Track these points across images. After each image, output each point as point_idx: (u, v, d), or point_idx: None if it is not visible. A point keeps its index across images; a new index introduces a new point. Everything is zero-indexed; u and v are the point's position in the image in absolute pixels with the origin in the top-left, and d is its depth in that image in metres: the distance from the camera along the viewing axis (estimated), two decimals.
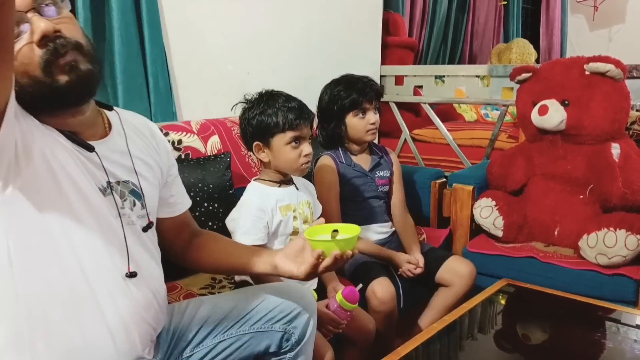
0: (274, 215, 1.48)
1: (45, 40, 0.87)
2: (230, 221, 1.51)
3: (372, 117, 1.78)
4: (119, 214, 1.01)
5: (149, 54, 1.90)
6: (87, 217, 0.95)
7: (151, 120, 1.92)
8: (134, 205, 1.06)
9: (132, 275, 1.00)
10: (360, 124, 1.78)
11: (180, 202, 1.26)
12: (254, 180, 1.58)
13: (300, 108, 1.46)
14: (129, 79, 1.86)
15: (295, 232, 1.52)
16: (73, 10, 1.70)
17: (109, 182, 1.00)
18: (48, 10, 0.89)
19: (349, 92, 1.76)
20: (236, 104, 1.55)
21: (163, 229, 1.21)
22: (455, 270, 1.75)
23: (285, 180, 1.55)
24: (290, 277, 1.15)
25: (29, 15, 0.87)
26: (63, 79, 0.89)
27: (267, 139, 1.46)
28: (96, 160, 0.99)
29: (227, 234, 1.50)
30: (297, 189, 1.58)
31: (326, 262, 1.10)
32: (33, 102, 0.90)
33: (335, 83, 1.81)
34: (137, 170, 1.08)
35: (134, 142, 1.10)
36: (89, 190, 0.96)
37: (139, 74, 1.90)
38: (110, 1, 1.79)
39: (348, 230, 1.16)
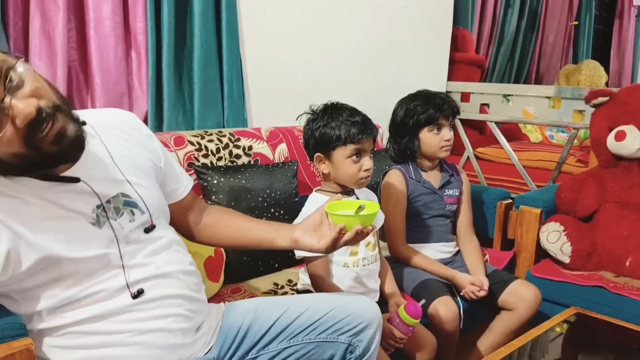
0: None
1: (29, 121, 0.83)
2: None
3: (447, 133, 1.76)
4: (116, 238, 1.01)
5: (225, 60, 1.96)
6: (85, 265, 0.97)
7: (223, 126, 2.01)
8: (133, 214, 1.05)
9: (138, 294, 1.01)
10: (435, 139, 1.77)
11: (180, 187, 1.25)
12: (315, 190, 1.59)
13: (363, 122, 1.46)
14: (205, 85, 1.92)
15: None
16: (158, 18, 1.78)
17: (100, 205, 1.00)
18: (15, 84, 0.84)
19: (425, 107, 1.75)
20: (301, 114, 1.56)
21: (170, 215, 1.21)
22: (520, 295, 1.71)
23: (345, 191, 1.55)
24: (310, 251, 1.16)
25: (6, 101, 0.83)
26: (52, 149, 0.88)
27: (329, 151, 1.47)
28: (84, 187, 0.98)
29: None
30: (358, 199, 1.58)
31: (347, 236, 1.10)
32: (17, 171, 0.90)
33: (411, 97, 1.81)
34: (127, 178, 1.06)
35: (115, 146, 1.07)
36: (82, 235, 0.97)
37: (215, 80, 1.96)
38: (193, 9, 1.86)
39: (369, 207, 1.16)
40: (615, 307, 1.73)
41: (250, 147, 1.90)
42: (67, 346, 0.99)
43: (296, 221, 1.52)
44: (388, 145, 1.89)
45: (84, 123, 0.95)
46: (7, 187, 0.91)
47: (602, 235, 1.94)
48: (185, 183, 1.26)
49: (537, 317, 1.69)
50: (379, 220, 1.66)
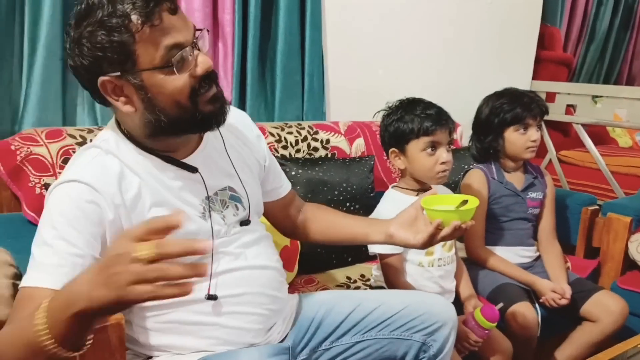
0: None
1: (204, 74, 0.93)
2: None
3: (534, 134, 1.70)
4: (212, 235, 1.03)
5: (307, 53, 1.98)
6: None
7: (302, 118, 2.03)
8: (237, 209, 1.09)
9: (211, 298, 1.02)
10: (521, 139, 1.70)
11: (280, 187, 1.28)
12: (392, 187, 1.57)
13: (437, 114, 1.43)
14: (287, 76, 1.95)
15: None
16: (245, 10, 1.82)
17: (207, 197, 1.04)
18: (203, 45, 0.95)
19: (512, 106, 1.69)
20: (378, 111, 1.55)
21: (269, 212, 1.25)
22: (605, 306, 1.62)
23: (423, 188, 1.51)
24: (406, 246, 1.15)
25: (195, 51, 0.92)
26: (208, 108, 0.95)
27: (403, 146, 1.45)
28: (198, 178, 1.03)
29: None
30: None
31: (445, 231, 1.08)
32: (162, 129, 0.94)
33: (497, 95, 1.75)
34: (237, 171, 1.11)
35: (230, 142, 1.12)
36: (191, 227, 1.00)
37: (297, 72, 1.98)
38: (279, 1, 1.88)
39: (470, 202, 1.14)
40: None
41: (328, 141, 1.91)
42: (149, 328, 1.02)
43: (371, 216, 1.52)
44: (470, 144, 1.84)
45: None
46: (136, 161, 0.98)
47: None
48: (285, 182, 1.31)
49: (622, 332, 1.61)
50: None
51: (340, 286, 1.66)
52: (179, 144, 1.02)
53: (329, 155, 1.90)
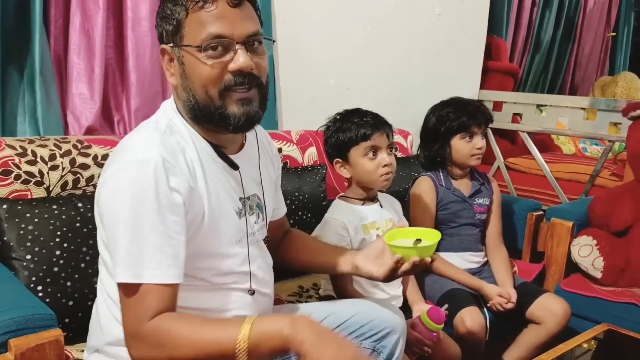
0: (356, 233, 1.49)
1: (238, 72, 0.96)
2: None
3: (479, 141, 1.75)
4: (247, 234, 1.08)
5: None
6: (219, 244, 1.03)
7: None
8: (258, 217, 1.13)
9: (253, 292, 1.07)
10: (466, 147, 1.75)
11: (280, 208, 1.32)
12: (339, 197, 1.59)
13: (374, 119, 1.48)
14: None
15: None
16: None
17: (242, 198, 1.08)
18: (254, 48, 0.98)
19: (458, 115, 1.74)
20: (321, 126, 1.59)
21: None
22: (549, 309, 1.67)
23: (369, 197, 1.55)
24: (370, 278, 1.18)
25: (237, 46, 0.95)
26: (233, 108, 0.98)
27: (345, 154, 1.49)
28: (237, 177, 1.08)
29: None
30: (382, 206, 1.57)
31: (405, 267, 1.12)
32: (196, 113, 0.99)
33: (444, 104, 1.79)
34: (263, 184, 1.16)
35: (261, 154, 1.17)
36: (229, 214, 1.04)
37: None
38: None
39: (429, 236, 1.17)
40: None
41: (280, 150, 1.90)
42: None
43: (319, 227, 1.54)
44: (419, 152, 1.88)
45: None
46: (193, 141, 1.01)
47: (637, 251, 1.89)
48: (283, 207, 1.35)
49: (566, 333, 1.66)
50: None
51: (292, 295, 1.66)
52: (224, 140, 1.05)
53: (282, 165, 1.90)
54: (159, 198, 0.90)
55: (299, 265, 1.37)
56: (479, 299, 1.69)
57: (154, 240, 0.90)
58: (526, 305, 1.70)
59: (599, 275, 1.87)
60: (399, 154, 2.29)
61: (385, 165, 1.46)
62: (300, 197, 1.80)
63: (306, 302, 1.61)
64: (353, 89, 2.38)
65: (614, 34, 4.47)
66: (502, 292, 1.66)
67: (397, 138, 2.31)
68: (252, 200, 1.11)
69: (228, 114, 0.97)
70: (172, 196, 0.92)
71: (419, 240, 1.17)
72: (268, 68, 1.03)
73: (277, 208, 1.30)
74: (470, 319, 1.54)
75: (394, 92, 2.56)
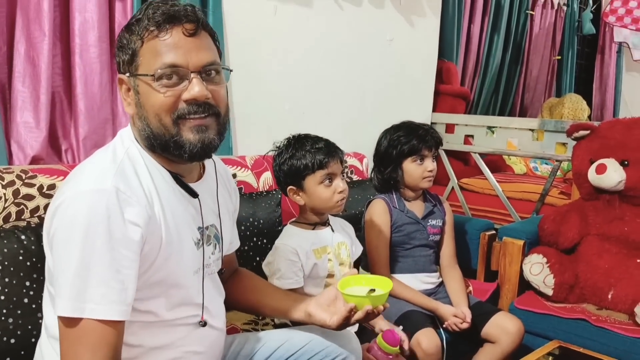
0: (308, 258, 1.49)
1: (193, 101, 0.95)
2: (266, 265, 1.52)
3: (430, 164, 1.78)
4: (203, 265, 1.06)
5: None
6: (176, 274, 1.01)
7: None
8: (215, 248, 1.12)
9: (205, 324, 1.05)
10: (418, 170, 1.78)
11: (233, 242, 1.30)
12: (290, 223, 1.59)
13: (327, 147, 1.49)
14: None
15: (330, 275, 1.52)
16: None
17: (201, 228, 1.06)
18: (210, 77, 0.98)
19: (409, 138, 1.78)
20: (268, 152, 1.59)
21: None
22: (503, 327, 1.70)
23: (321, 222, 1.56)
24: (323, 326, 1.17)
25: (192, 75, 0.95)
26: (188, 135, 0.96)
27: (300, 182, 1.49)
28: (197, 206, 1.06)
29: None
30: (333, 230, 1.58)
31: (358, 315, 1.13)
32: (151, 142, 0.98)
33: (395, 128, 1.83)
34: (221, 215, 1.14)
35: (220, 187, 1.16)
36: (187, 244, 1.02)
37: None
38: None
39: (381, 285, 1.20)
40: (598, 340, 1.73)
41: (234, 175, 1.89)
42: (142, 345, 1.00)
43: (270, 253, 1.53)
44: (372, 175, 1.90)
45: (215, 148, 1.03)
46: (151, 169, 0.99)
47: (585, 267, 1.95)
48: (236, 241, 1.32)
49: (521, 351, 1.69)
50: (357, 251, 1.67)
51: (248, 324, 1.63)
52: (183, 169, 1.04)
53: None
54: (110, 230, 0.87)
55: (247, 307, 1.34)
56: (435, 320, 1.71)
57: (100, 274, 0.87)
58: (481, 325, 1.72)
59: (550, 292, 1.92)
60: (355, 177, 2.31)
61: (340, 192, 1.48)
62: (255, 223, 1.78)
63: (262, 329, 1.59)
64: (308, 114, 2.40)
65: (560, 57, 4.65)
66: (457, 312, 1.68)
67: (353, 161, 2.33)
68: (210, 231, 1.10)
69: (183, 141, 0.96)
70: (126, 230, 0.89)
71: (372, 289, 1.19)
72: (226, 97, 1.02)
73: (231, 242, 1.28)
74: (427, 340, 1.55)
75: (348, 116, 2.59)
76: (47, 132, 1.62)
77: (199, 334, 1.06)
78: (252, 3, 2.13)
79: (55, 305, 0.89)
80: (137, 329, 0.96)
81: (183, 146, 0.96)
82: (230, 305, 1.28)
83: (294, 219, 1.60)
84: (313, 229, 1.54)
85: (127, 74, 0.97)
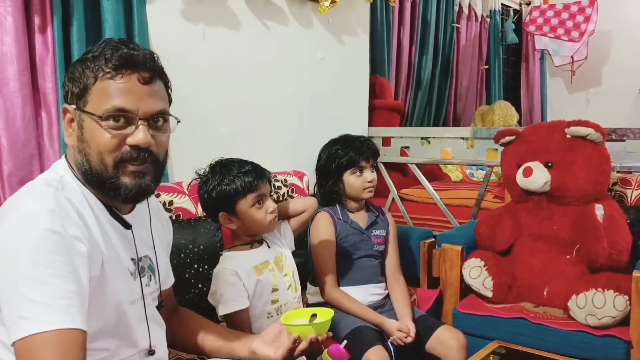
0: (249, 276, 1.48)
1: (135, 147, 0.96)
2: (211, 297, 1.51)
3: (369, 175, 1.83)
4: (143, 296, 1.05)
5: None
6: (116, 299, 0.99)
7: None
8: (150, 280, 1.10)
9: (151, 352, 1.05)
10: (358, 181, 1.82)
11: (168, 277, 1.27)
12: (225, 251, 1.58)
13: (254, 169, 1.50)
14: None
15: (275, 289, 1.52)
16: None
17: (134, 259, 1.05)
18: (157, 125, 0.99)
19: (346, 151, 1.82)
20: (190, 182, 1.59)
21: None
22: (445, 343, 1.71)
23: (256, 239, 1.56)
24: None
25: (139, 122, 0.96)
26: (125, 180, 0.97)
27: (231, 207, 1.48)
28: (130, 237, 1.05)
29: None
30: (269, 246, 1.58)
31: (302, 345, 1.15)
32: (87, 177, 0.98)
33: (333, 142, 1.88)
34: (155, 246, 1.13)
35: (153, 219, 1.16)
36: (124, 273, 1.01)
37: None
38: None
39: (323, 314, 1.22)
40: (537, 336, 1.80)
41: (171, 202, 1.86)
42: None
43: (212, 283, 1.51)
44: (315, 190, 1.93)
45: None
46: (83, 199, 0.98)
47: (520, 267, 2.02)
48: (171, 277, 1.29)
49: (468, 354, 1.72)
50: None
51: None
52: (115, 202, 1.03)
53: (173, 218, 1.86)
54: (62, 241, 0.86)
55: (189, 348, 1.30)
56: (382, 335, 1.72)
57: (57, 286, 0.83)
58: (425, 339, 1.75)
59: (489, 294, 1.98)
60: (295, 195, 2.31)
61: (271, 212, 1.50)
62: (195, 249, 1.76)
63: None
64: (245, 135, 2.40)
65: (487, 66, 4.86)
66: (401, 326, 1.70)
67: (293, 179, 2.34)
68: (144, 262, 1.09)
69: (120, 184, 0.97)
70: (74, 243, 0.88)
71: (314, 316, 1.21)
72: (168, 144, 1.03)
73: (167, 276, 1.25)
74: (376, 358, 1.56)
75: (286, 136, 2.61)
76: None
77: None
78: (179, 28, 2.12)
79: (9, 333, 0.83)
80: None
81: (119, 189, 0.97)
82: (171, 346, 1.25)
83: (228, 248, 1.59)
84: (250, 247, 1.54)
85: (74, 107, 0.97)
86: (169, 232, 1.26)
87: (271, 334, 1.21)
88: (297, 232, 1.68)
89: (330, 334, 1.19)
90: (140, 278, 1.06)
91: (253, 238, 1.55)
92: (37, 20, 1.69)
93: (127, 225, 1.04)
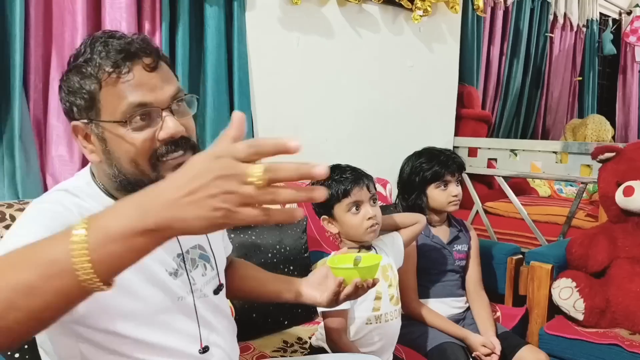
0: None
1: (169, 140, 0.89)
2: None
3: (454, 189, 1.79)
4: (192, 290, 1.00)
5: None
6: (157, 310, 0.94)
7: None
8: (205, 269, 1.05)
9: (204, 350, 0.99)
10: (442, 195, 1.79)
11: (228, 245, 1.25)
12: (333, 254, 1.57)
13: (352, 174, 1.49)
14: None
15: (378, 297, 1.50)
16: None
17: (180, 254, 1.00)
18: (179, 110, 0.92)
19: (431, 164, 1.79)
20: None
21: None
22: None
23: (364, 246, 1.54)
24: (314, 304, 1.16)
25: (163, 113, 0.88)
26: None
27: (330, 211, 1.50)
28: None
29: None
30: (377, 253, 1.56)
31: (347, 289, 1.10)
32: (126, 187, 0.90)
33: (417, 155, 1.85)
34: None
35: None
36: (160, 280, 0.95)
37: None
38: (206, 69, 1.93)
39: (370, 259, 1.17)
40: None
41: None
42: None
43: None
44: (397, 202, 1.91)
45: None
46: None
47: (616, 291, 1.92)
48: (229, 244, 1.27)
49: None
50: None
51: (276, 351, 1.63)
52: None
53: None
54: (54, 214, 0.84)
55: (243, 295, 1.30)
56: (465, 351, 1.69)
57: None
58: (509, 357, 1.69)
59: (580, 317, 1.89)
60: (380, 203, 2.31)
61: (369, 218, 1.47)
62: (282, 250, 1.80)
63: (291, 357, 1.59)
64: (331, 140, 2.43)
65: (580, 78, 4.64)
66: (486, 342, 1.66)
67: (376, 187, 2.34)
68: (192, 253, 1.03)
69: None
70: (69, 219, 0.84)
71: (356, 261, 1.18)
72: (195, 126, 0.96)
73: (225, 247, 1.22)
74: None
75: (371, 143, 2.62)
76: (80, 165, 1.67)
77: None
78: (275, 36, 2.19)
79: None
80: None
81: None
82: (228, 296, 1.23)
83: (336, 251, 1.57)
84: (358, 252, 1.51)
85: (85, 121, 0.89)
86: None
87: (318, 277, 1.17)
88: (407, 246, 1.64)
89: (378, 279, 1.14)
90: (187, 273, 1.00)
91: (360, 243, 1.54)
92: (147, 25, 1.79)
93: None
